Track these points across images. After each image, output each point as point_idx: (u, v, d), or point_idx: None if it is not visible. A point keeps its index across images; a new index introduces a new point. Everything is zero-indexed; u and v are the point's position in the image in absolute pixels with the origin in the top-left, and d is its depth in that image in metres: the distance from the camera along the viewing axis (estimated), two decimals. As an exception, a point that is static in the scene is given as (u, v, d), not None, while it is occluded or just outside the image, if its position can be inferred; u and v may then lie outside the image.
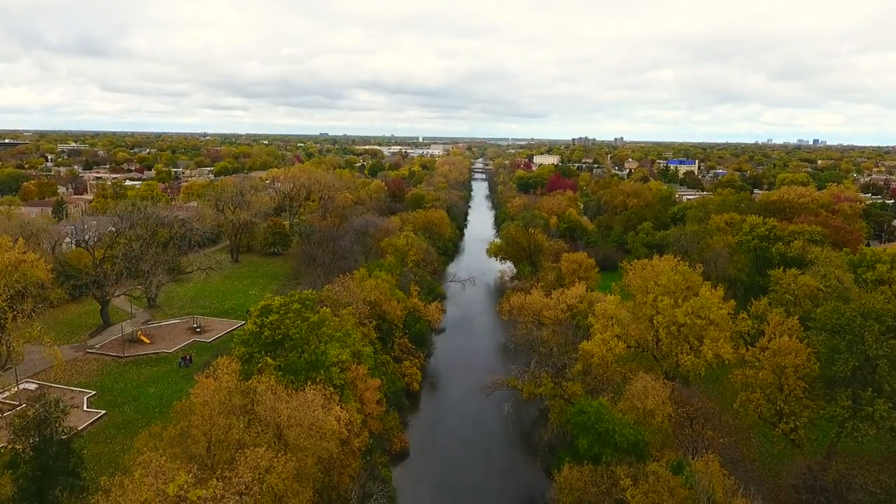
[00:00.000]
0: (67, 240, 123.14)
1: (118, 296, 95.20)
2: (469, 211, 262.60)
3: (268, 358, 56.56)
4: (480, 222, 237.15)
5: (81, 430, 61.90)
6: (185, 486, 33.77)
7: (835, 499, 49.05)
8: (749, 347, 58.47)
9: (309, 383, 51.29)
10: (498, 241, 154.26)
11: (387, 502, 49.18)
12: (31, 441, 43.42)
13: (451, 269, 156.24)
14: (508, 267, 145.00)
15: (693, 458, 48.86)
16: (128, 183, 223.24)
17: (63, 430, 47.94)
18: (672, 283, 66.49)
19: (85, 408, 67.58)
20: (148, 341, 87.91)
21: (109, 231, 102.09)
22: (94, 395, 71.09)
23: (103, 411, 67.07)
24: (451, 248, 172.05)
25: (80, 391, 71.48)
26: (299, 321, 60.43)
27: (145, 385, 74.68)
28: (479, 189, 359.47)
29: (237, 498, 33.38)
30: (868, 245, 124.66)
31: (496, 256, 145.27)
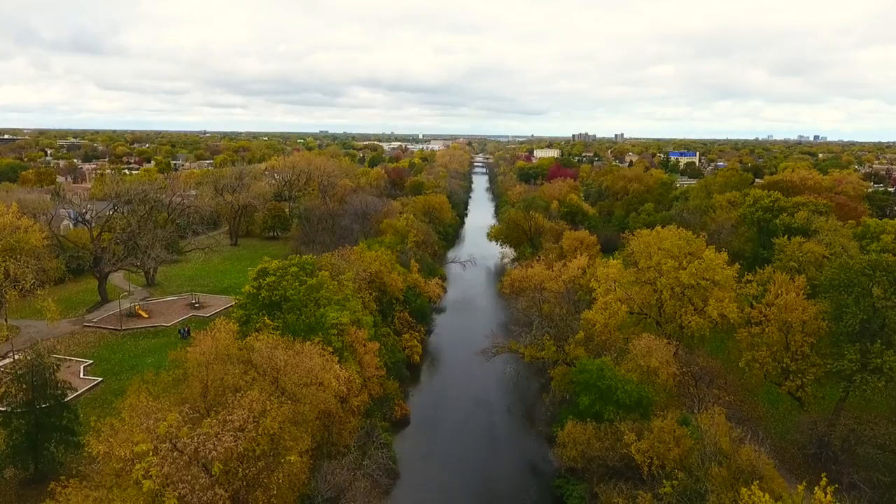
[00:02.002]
0: (66, 222, 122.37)
1: (117, 269, 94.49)
2: (469, 202, 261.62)
3: (266, 318, 55.83)
4: (481, 214, 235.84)
5: (78, 395, 61.14)
6: (176, 426, 32.93)
7: (842, 453, 48.25)
8: (755, 305, 57.55)
9: (307, 344, 50.55)
10: (498, 225, 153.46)
11: (386, 452, 48.20)
12: (24, 388, 42.58)
13: (452, 254, 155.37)
14: (510, 251, 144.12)
15: (698, 414, 48.05)
16: (126, 172, 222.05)
17: (58, 384, 47.29)
18: (675, 247, 65.73)
19: (81, 375, 66.85)
20: (146, 315, 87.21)
21: (107, 212, 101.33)
22: (91, 364, 70.37)
23: (100, 378, 66.39)
24: (451, 234, 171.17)
25: (76, 360, 70.76)
26: (297, 283, 59.71)
27: (143, 355, 74.00)
28: (480, 183, 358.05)
29: (232, 435, 32.51)
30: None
31: (496, 240, 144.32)
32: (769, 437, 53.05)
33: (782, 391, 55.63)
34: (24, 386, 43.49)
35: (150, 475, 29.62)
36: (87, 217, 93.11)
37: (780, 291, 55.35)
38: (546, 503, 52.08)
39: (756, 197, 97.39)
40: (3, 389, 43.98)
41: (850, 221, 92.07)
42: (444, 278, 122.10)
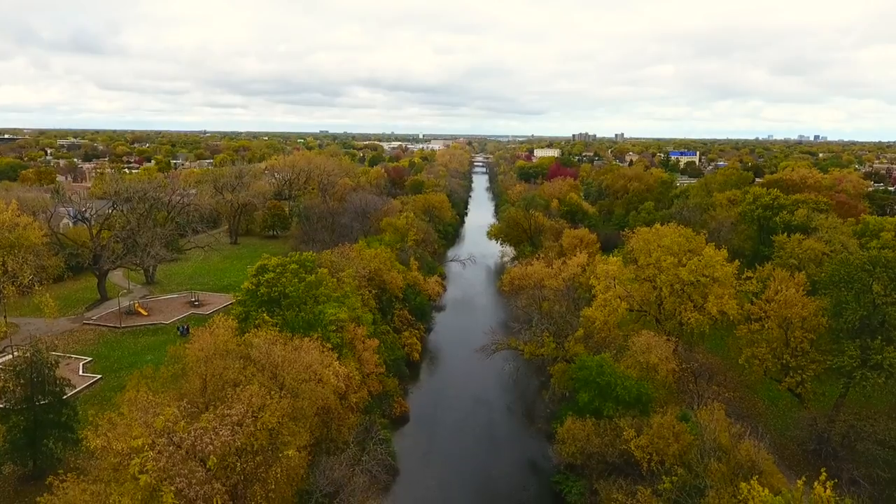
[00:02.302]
0: (65, 220, 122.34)
1: (116, 267, 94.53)
2: (469, 201, 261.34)
3: (265, 315, 55.73)
4: (481, 213, 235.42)
5: (77, 392, 61.12)
6: (174, 420, 32.88)
7: (842, 450, 48.17)
8: (755, 301, 57.40)
9: (306, 340, 50.44)
10: (498, 224, 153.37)
11: (385, 447, 48.13)
12: (22, 383, 42.50)
13: (451, 253, 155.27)
14: (509, 250, 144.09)
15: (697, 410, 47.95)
16: (126, 171, 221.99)
17: (56, 381, 47.24)
18: (675, 244, 65.67)
19: (81, 373, 66.88)
20: (146, 313, 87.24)
21: (107, 210, 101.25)
22: (90, 361, 70.43)
23: (99, 375, 66.42)
24: (451, 233, 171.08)
25: (76, 358, 70.78)
26: (296, 280, 59.64)
27: (142, 352, 73.97)
28: (480, 182, 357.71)
29: (230, 429, 32.44)
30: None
31: (496, 239, 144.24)
32: (769, 434, 52.95)
33: (782, 388, 55.51)
34: (23, 381, 43.45)
35: (147, 469, 29.55)
36: (87, 215, 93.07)
37: (779, 287, 55.23)
38: (545, 499, 52.05)
39: (756, 195, 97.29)
40: (0, 385, 43.90)
41: (849, 219, 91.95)
42: (443, 276, 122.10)
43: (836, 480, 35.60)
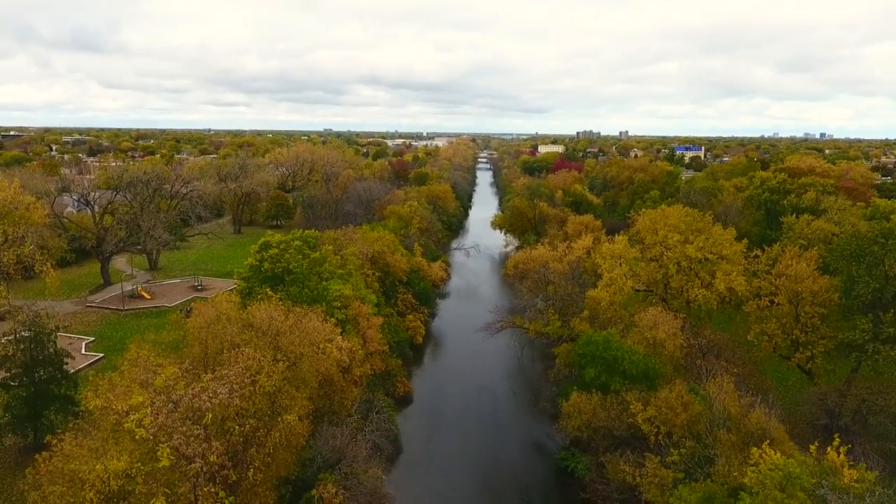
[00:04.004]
0: (69, 209, 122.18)
1: (120, 251, 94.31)
2: (473, 196, 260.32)
3: (268, 290, 55.12)
4: (485, 208, 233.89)
5: (79, 370, 60.73)
6: (174, 379, 32.36)
7: (854, 424, 47.28)
8: (765, 276, 56.44)
9: (309, 310, 49.86)
10: (502, 214, 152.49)
11: (386, 416, 47.53)
12: (22, 348, 42.10)
13: (455, 245, 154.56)
14: (513, 241, 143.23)
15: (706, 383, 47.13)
16: (130, 162, 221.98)
17: (57, 353, 46.91)
18: (682, 223, 64.83)
19: (83, 352, 66.61)
20: (148, 297, 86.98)
21: (111, 195, 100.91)
22: (93, 341, 70.20)
23: (101, 354, 66.12)
24: (455, 225, 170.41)
25: (78, 337, 70.54)
26: (300, 257, 59.06)
27: (144, 333, 73.03)
28: (484, 178, 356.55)
29: (227, 388, 31.86)
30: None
31: (500, 228, 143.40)
32: (778, 409, 52.18)
33: (791, 365, 54.66)
34: (23, 346, 43.08)
35: (144, 425, 29.02)
36: (90, 199, 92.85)
37: (790, 262, 54.30)
38: (551, 476, 51.37)
39: (763, 178, 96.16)
40: (1, 355, 43.53)
41: (859, 203, 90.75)
42: (447, 265, 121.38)
43: (851, 446, 34.75)
